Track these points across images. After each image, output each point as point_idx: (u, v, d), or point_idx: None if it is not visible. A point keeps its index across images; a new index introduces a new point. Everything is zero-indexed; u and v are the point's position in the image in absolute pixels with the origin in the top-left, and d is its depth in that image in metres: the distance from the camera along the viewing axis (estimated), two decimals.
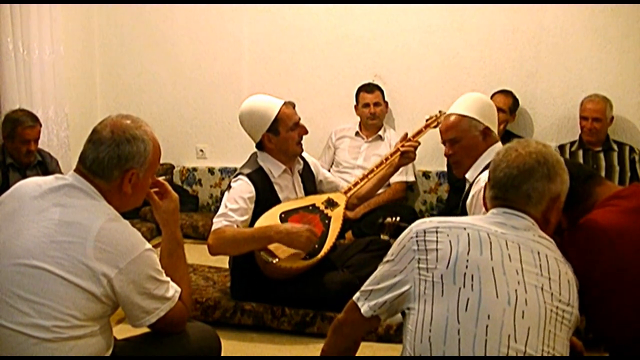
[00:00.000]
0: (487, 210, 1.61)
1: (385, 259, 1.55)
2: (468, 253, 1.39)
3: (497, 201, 1.54)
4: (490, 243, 1.42)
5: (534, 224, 1.50)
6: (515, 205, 1.52)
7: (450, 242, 1.42)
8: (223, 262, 3.14)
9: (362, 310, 1.53)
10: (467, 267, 1.38)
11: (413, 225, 1.52)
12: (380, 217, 2.75)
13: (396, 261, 1.50)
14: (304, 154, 2.97)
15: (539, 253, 1.44)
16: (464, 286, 1.36)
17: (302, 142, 2.88)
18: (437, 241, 1.44)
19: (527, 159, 1.52)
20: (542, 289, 1.38)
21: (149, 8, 4.87)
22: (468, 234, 1.43)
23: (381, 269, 1.54)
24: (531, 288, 1.37)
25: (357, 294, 1.57)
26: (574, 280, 1.47)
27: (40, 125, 3.63)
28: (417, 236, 1.47)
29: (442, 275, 1.39)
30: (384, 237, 2.33)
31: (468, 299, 1.35)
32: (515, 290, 1.36)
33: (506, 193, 1.53)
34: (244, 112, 2.85)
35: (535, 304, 1.36)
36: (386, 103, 4.43)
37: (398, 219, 2.33)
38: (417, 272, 1.43)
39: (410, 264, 1.45)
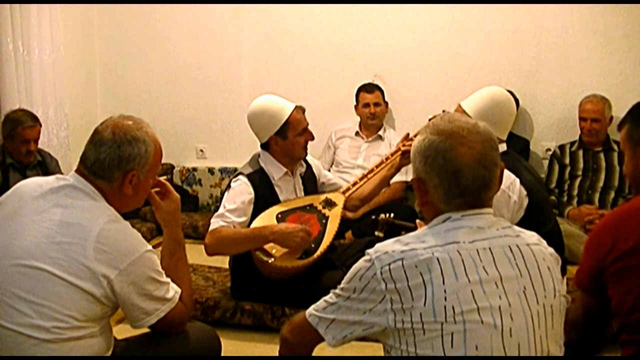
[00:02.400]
0: (425, 212, 1.46)
1: (343, 294, 1.38)
2: (443, 282, 1.28)
3: (465, 205, 1.38)
4: (463, 261, 1.31)
5: (494, 214, 1.42)
6: (481, 203, 1.39)
7: (421, 274, 1.29)
8: (223, 262, 3.15)
9: (326, 340, 1.40)
10: (445, 299, 1.27)
11: (373, 256, 1.34)
12: (373, 215, 2.75)
13: (361, 299, 1.34)
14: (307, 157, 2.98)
15: (510, 248, 1.35)
16: (446, 320, 1.26)
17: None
18: (407, 278, 1.29)
19: (483, 149, 1.37)
20: (524, 292, 1.32)
21: (149, 8, 4.87)
22: (437, 259, 1.29)
23: (341, 303, 1.38)
24: (514, 298, 1.31)
25: (313, 318, 1.43)
26: (553, 261, 1.41)
27: (40, 125, 3.63)
28: (382, 274, 1.31)
29: (421, 314, 1.28)
30: (378, 234, 2.33)
31: (452, 334, 1.26)
32: (499, 307, 1.28)
33: (479, 195, 1.38)
34: (254, 111, 2.84)
35: (521, 315, 1.30)
36: (386, 103, 4.44)
37: (392, 215, 2.33)
38: (392, 314, 1.30)
39: (381, 305, 1.31)
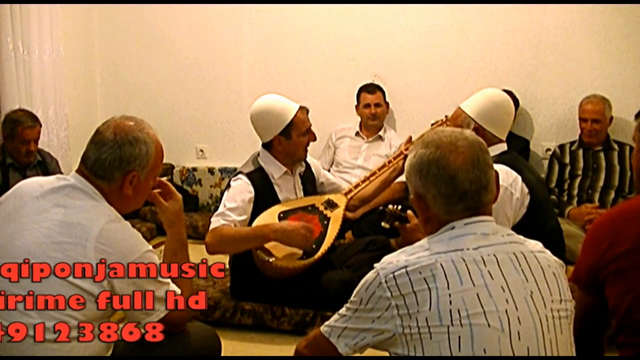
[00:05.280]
0: (429, 229, 1.46)
1: (352, 306, 1.42)
2: (448, 287, 1.29)
3: (466, 211, 1.40)
4: (467, 266, 1.32)
5: (497, 212, 1.45)
6: (482, 209, 1.40)
7: (425, 280, 1.31)
8: (223, 261, 3.14)
9: (339, 349, 1.44)
10: (450, 302, 1.28)
11: (378, 267, 1.38)
12: (381, 205, 2.77)
13: (368, 309, 1.37)
14: None
15: (516, 256, 1.37)
16: (452, 324, 1.27)
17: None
18: (411, 283, 1.31)
19: (474, 152, 1.39)
20: (531, 297, 1.33)
21: (148, 8, 4.87)
22: (441, 265, 1.32)
23: (350, 314, 1.43)
24: (521, 301, 1.32)
25: (326, 329, 1.47)
26: (558, 267, 1.43)
27: (40, 125, 3.63)
28: (387, 282, 1.33)
29: (427, 319, 1.29)
30: (384, 224, 2.34)
31: (459, 337, 1.27)
32: (506, 311, 1.29)
33: (479, 198, 1.39)
34: (258, 110, 2.84)
35: (529, 319, 1.31)
36: (387, 104, 4.43)
37: (399, 207, 2.34)
38: (399, 320, 1.32)
39: (387, 312, 1.34)
